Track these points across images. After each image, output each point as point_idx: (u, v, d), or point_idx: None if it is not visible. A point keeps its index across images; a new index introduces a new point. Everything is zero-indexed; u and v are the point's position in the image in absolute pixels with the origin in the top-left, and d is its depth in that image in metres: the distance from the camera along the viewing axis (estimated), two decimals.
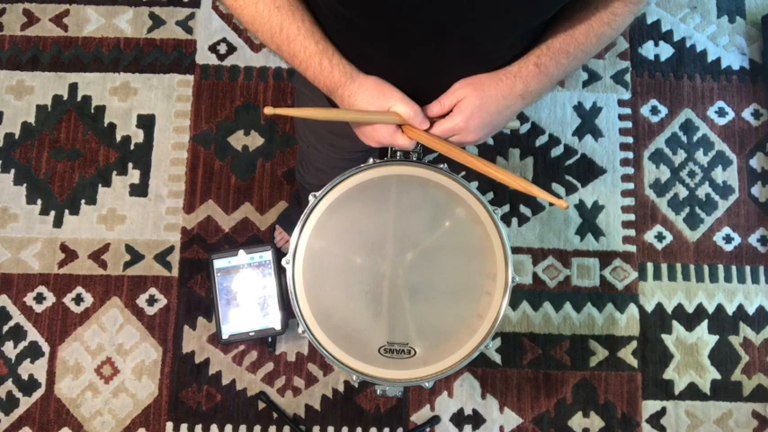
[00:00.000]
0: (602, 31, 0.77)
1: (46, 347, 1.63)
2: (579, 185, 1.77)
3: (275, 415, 1.60)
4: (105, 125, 1.76)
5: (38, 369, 1.62)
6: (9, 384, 1.61)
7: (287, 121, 1.77)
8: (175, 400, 1.61)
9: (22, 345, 1.63)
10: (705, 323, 1.71)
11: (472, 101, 0.78)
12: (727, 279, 1.73)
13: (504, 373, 1.66)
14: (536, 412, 1.64)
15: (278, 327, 1.22)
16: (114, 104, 1.78)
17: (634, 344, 1.68)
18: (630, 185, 1.78)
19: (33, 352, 1.63)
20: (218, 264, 1.24)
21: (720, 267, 1.74)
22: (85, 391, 1.61)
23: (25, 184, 1.72)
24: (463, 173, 0.94)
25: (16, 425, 1.59)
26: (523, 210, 1.75)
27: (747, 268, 1.74)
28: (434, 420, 1.61)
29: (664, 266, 1.73)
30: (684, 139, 1.82)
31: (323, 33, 0.77)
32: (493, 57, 0.80)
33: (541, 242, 1.73)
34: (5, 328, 1.64)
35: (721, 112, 1.83)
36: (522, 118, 1.80)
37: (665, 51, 1.87)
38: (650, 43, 1.87)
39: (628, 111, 1.82)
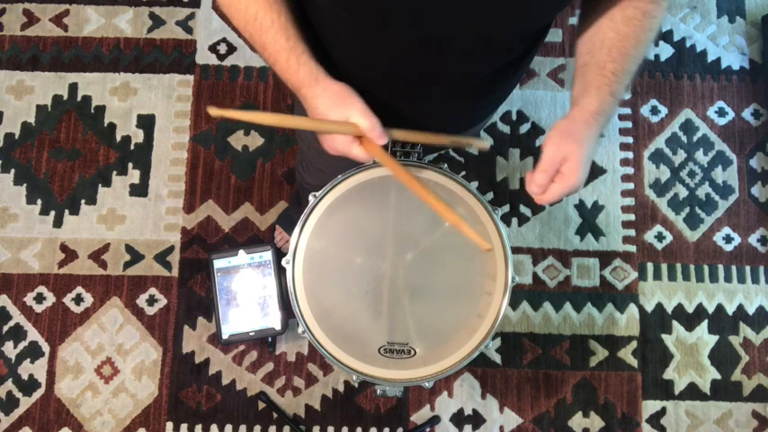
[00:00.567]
0: (647, 38, 0.77)
1: (46, 347, 1.63)
2: None
3: (275, 415, 1.60)
4: (105, 125, 1.76)
5: (38, 369, 1.62)
6: (9, 384, 1.61)
7: None
8: (175, 400, 1.61)
9: (22, 345, 1.63)
10: (705, 323, 1.71)
11: (579, 157, 0.74)
12: (727, 279, 1.73)
13: (504, 373, 1.66)
14: (536, 412, 1.64)
15: (278, 327, 1.22)
16: (114, 104, 1.78)
17: (634, 344, 1.68)
18: (630, 185, 1.78)
19: (33, 352, 1.63)
20: (218, 264, 1.24)
21: (720, 267, 1.74)
22: (85, 391, 1.61)
23: (25, 184, 1.72)
24: (463, 173, 0.94)
25: (16, 425, 1.59)
26: (523, 210, 1.75)
27: (747, 268, 1.74)
28: (434, 420, 1.61)
29: (664, 266, 1.73)
30: (684, 139, 1.82)
31: (297, 31, 0.76)
32: (492, 60, 0.80)
33: (541, 242, 1.73)
34: (5, 328, 1.64)
35: (721, 112, 1.83)
36: (522, 118, 1.80)
37: (665, 51, 1.87)
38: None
39: (628, 111, 1.82)
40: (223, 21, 1.83)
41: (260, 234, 1.71)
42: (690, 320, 1.71)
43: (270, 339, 1.61)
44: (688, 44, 1.87)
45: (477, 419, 1.63)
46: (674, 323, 1.70)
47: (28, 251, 1.68)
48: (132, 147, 1.75)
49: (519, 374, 1.66)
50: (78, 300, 1.66)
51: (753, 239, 1.76)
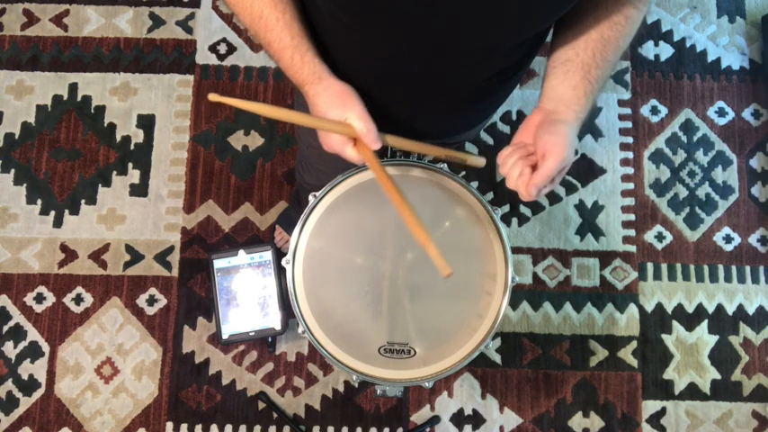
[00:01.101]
0: (625, 44, 0.78)
1: (46, 347, 1.63)
2: (579, 185, 1.77)
3: (275, 415, 1.60)
4: (105, 125, 1.76)
5: (38, 369, 1.62)
6: (9, 384, 1.61)
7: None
8: (175, 400, 1.61)
9: (22, 345, 1.63)
10: (705, 323, 1.71)
11: (562, 139, 0.74)
12: (727, 279, 1.73)
13: (504, 373, 1.66)
14: (536, 412, 1.64)
15: (278, 327, 1.22)
16: (114, 104, 1.78)
17: (634, 344, 1.68)
18: (630, 185, 1.78)
19: (33, 352, 1.63)
20: (218, 264, 1.24)
21: (720, 267, 1.74)
22: (85, 391, 1.61)
23: (25, 184, 1.72)
24: (463, 173, 0.94)
25: (16, 425, 1.59)
26: (523, 210, 1.75)
27: (747, 268, 1.74)
28: (434, 420, 1.61)
29: (664, 266, 1.73)
30: (684, 139, 1.82)
31: (303, 29, 0.77)
32: (492, 64, 0.79)
33: (541, 242, 1.73)
34: (5, 328, 1.64)
35: (721, 112, 1.83)
36: (522, 118, 1.79)
37: (665, 51, 1.87)
38: (650, 43, 1.87)
39: (628, 111, 1.82)
40: (223, 21, 1.83)
41: (260, 234, 1.71)
42: (690, 320, 1.71)
43: (270, 339, 1.61)
44: (688, 44, 1.87)
45: (477, 419, 1.63)
46: (674, 323, 1.70)
47: (28, 251, 1.68)
48: (132, 147, 1.75)
49: (519, 374, 1.66)
50: (78, 300, 1.66)
51: (753, 239, 1.76)
